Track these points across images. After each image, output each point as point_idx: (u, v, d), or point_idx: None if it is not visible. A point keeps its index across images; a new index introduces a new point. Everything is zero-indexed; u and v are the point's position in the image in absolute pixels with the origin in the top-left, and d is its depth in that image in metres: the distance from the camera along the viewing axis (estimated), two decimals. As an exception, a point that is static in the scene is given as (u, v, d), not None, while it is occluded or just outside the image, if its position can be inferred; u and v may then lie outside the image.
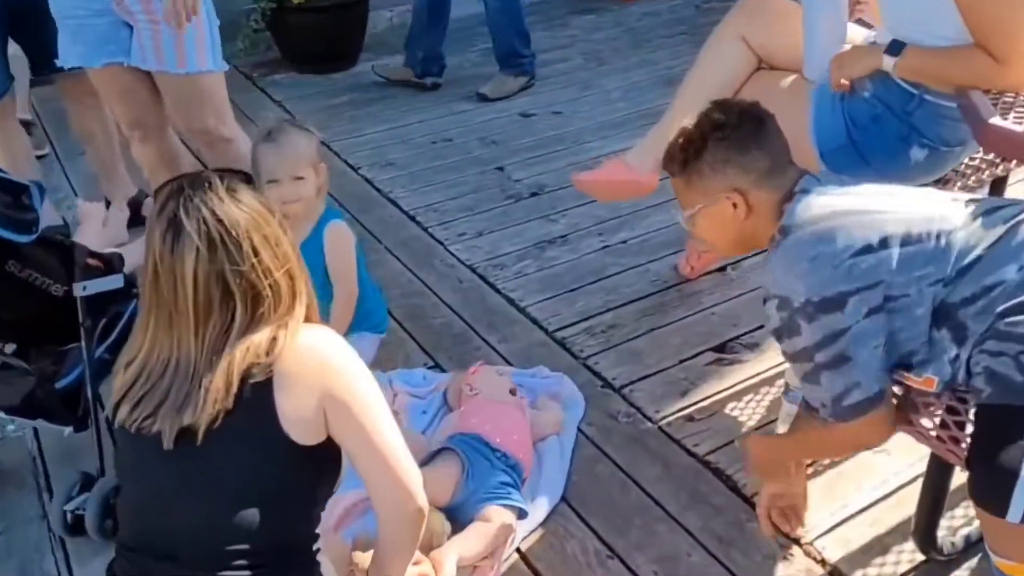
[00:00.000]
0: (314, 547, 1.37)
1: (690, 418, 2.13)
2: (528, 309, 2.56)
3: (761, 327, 2.42)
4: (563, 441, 2.04)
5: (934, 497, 1.63)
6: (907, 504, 1.85)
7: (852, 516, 1.85)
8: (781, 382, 2.22)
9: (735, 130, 1.53)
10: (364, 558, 1.65)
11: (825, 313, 1.37)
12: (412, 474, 1.37)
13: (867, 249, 1.37)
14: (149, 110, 2.48)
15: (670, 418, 2.13)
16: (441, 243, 2.92)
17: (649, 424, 2.12)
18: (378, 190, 3.28)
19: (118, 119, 2.64)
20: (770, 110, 2.08)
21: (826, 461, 1.97)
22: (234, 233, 1.25)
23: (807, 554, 1.77)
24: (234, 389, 1.25)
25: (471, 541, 1.75)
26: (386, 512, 1.38)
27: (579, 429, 2.11)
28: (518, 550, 1.82)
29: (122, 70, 2.35)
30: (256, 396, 1.27)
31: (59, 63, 2.39)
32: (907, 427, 1.51)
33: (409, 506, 1.36)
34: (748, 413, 2.14)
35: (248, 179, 1.36)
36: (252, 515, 1.27)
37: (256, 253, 1.27)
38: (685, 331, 2.44)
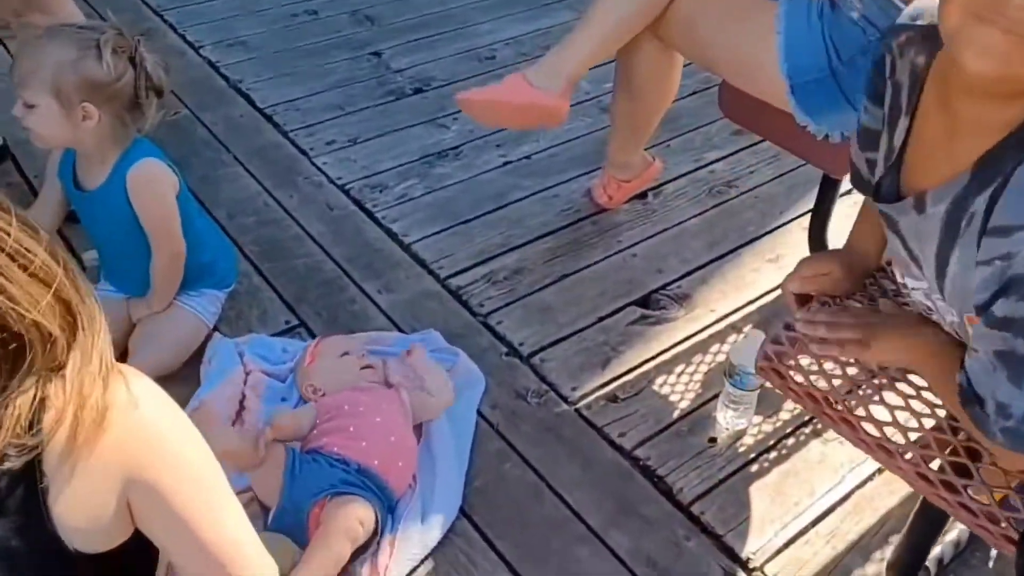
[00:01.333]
0: None
1: (612, 398, 1.77)
2: (414, 247, 2.10)
3: (689, 273, 2.07)
4: (459, 434, 1.65)
5: (926, 538, 1.34)
6: (867, 510, 1.58)
7: (806, 529, 1.56)
8: (716, 349, 1.89)
9: None
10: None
11: None
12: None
13: None
14: None
15: (589, 398, 1.77)
16: (305, 154, 2.39)
17: (564, 406, 1.75)
18: (225, 78, 2.67)
19: None
20: (726, 18, 1.67)
21: (769, 457, 1.67)
22: None
23: (756, 581, 1.48)
24: None
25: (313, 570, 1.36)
26: None
27: (479, 413, 1.72)
28: (408, 587, 1.45)
29: None
30: (16, 497, 0.81)
31: None
32: None
33: None
34: (680, 391, 1.80)
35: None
36: None
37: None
38: (603, 279, 2.05)
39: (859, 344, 1.15)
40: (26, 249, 0.79)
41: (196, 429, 0.94)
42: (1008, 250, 0.91)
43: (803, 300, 1.29)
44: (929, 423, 1.11)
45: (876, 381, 1.17)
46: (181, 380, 1.69)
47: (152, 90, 1.57)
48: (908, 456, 1.09)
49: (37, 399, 0.81)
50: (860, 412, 1.14)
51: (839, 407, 1.14)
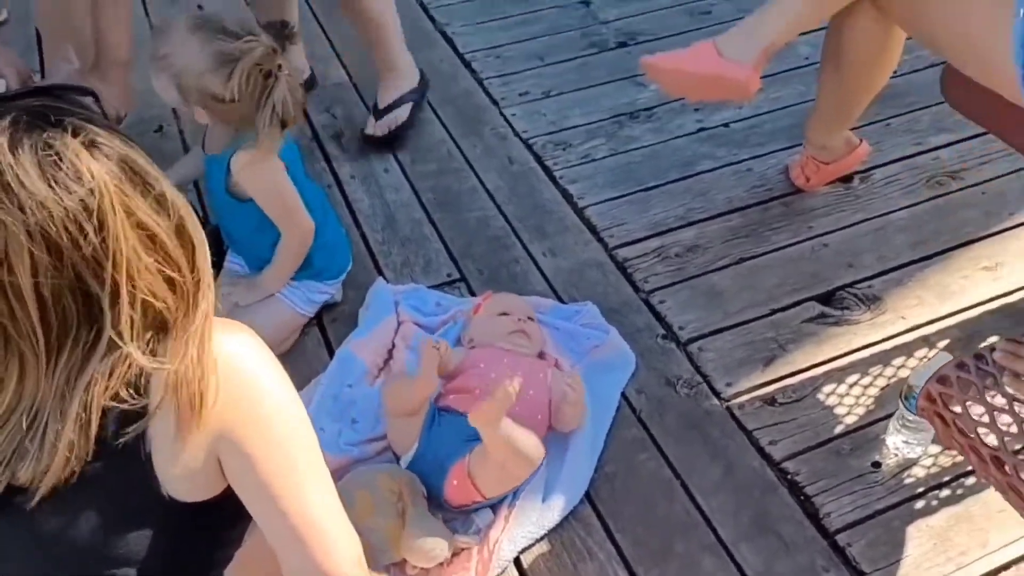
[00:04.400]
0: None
1: (771, 400, 1.64)
2: (587, 212, 2.03)
3: (885, 272, 1.86)
4: (597, 415, 1.59)
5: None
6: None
7: (969, 585, 1.38)
8: (900, 363, 1.69)
9: None
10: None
11: None
12: (337, 557, 0.95)
13: None
14: None
15: (744, 397, 1.64)
16: (496, 103, 2.36)
17: (715, 402, 1.64)
18: (432, 20, 2.68)
19: None
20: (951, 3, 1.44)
21: (940, 495, 1.48)
22: (89, 223, 0.78)
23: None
24: (92, 443, 0.83)
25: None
26: None
27: (623, 396, 1.65)
28: (517, 563, 1.43)
29: None
30: (122, 450, 0.86)
31: None
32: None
33: None
34: (849, 404, 1.63)
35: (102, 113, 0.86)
36: None
37: (127, 242, 0.80)
38: (785, 266, 1.89)
39: None
40: (164, 195, 0.82)
41: (295, 394, 0.95)
42: None
43: None
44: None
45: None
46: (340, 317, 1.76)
47: (276, 121, 1.55)
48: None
49: (151, 351, 0.85)
50: (1034, 480, 0.96)
51: (1008, 470, 0.97)
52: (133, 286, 0.82)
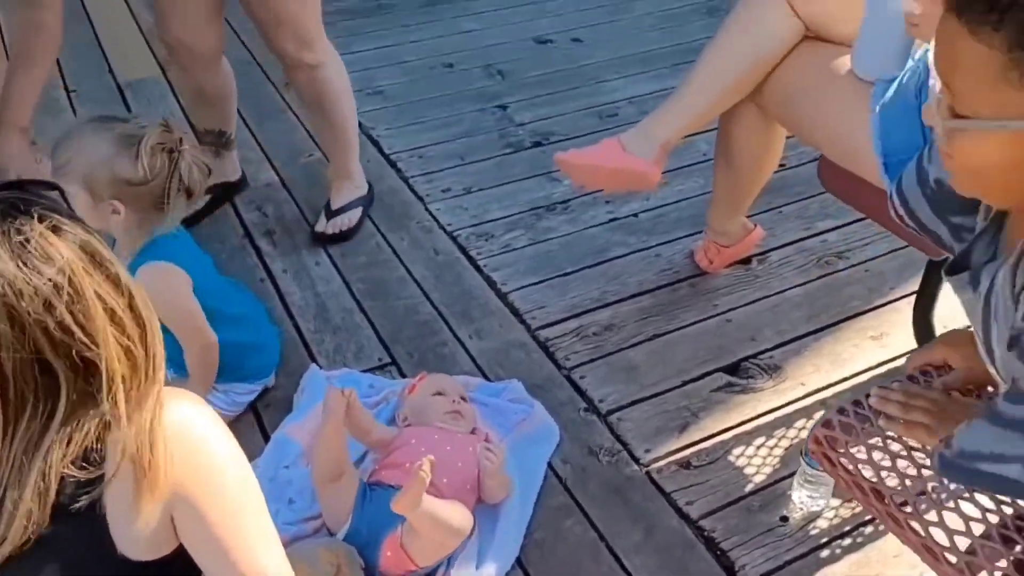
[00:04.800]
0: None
1: (686, 464, 1.76)
2: (511, 296, 2.16)
3: (784, 344, 2.02)
4: (525, 484, 1.68)
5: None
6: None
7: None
8: (801, 424, 1.84)
9: None
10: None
11: None
12: None
13: None
14: (203, 35, 2.16)
15: (661, 462, 1.76)
16: (422, 199, 2.51)
17: (635, 467, 1.75)
18: (359, 124, 2.83)
19: (165, 40, 2.20)
20: (822, 95, 1.65)
21: (843, 544, 1.60)
22: (59, 299, 0.86)
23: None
24: (49, 509, 0.89)
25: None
26: None
27: (549, 465, 1.74)
28: (454, 630, 1.49)
29: None
30: (79, 514, 0.91)
31: None
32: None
33: None
34: (756, 464, 1.76)
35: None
36: None
37: (92, 318, 0.88)
38: (693, 341, 2.04)
39: (926, 430, 1.11)
40: (118, 276, 0.91)
41: (243, 455, 1.03)
42: None
43: None
44: (979, 529, 1.06)
45: (931, 481, 1.13)
46: (274, 403, 1.83)
47: (182, 191, 1.60)
48: (953, 561, 1.04)
49: (105, 422, 0.92)
50: (908, 509, 1.10)
51: (886, 500, 1.10)
52: (95, 359, 0.89)
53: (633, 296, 2.17)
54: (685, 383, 1.93)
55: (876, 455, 1.14)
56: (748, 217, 2.19)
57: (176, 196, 1.60)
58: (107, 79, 3.05)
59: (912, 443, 1.16)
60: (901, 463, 1.13)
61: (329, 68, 2.21)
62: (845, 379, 1.93)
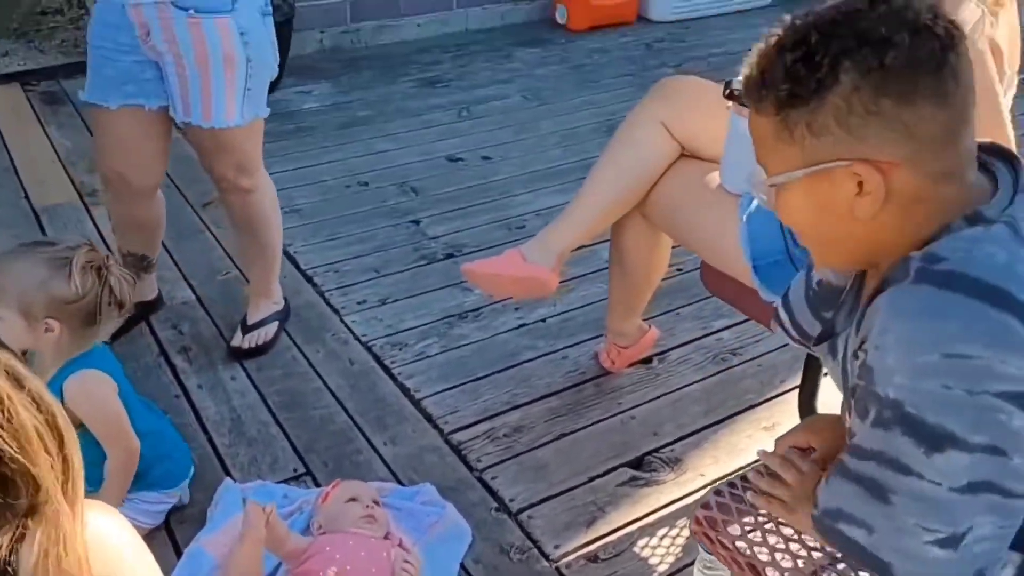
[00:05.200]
0: None
1: (593, 558, 1.82)
2: (424, 403, 2.24)
3: (684, 437, 2.14)
4: (440, 586, 1.72)
5: None
6: None
7: None
8: (702, 514, 1.92)
9: (905, 55, 0.90)
10: None
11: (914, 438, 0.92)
12: None
13: None
14: (147, 172, 2.22)
15: (570, 557, 1.82)
16: (337, 312, 2.59)
17: (545, 563, 1.81)
18: (276, 242, 2.93)
19: (104, 171, 2.26)
20: (698, 207, 1.82)
21: None
22: None
23: None
24: None
25: None
26: None
27: (462, 566, 1.79)
28: None
29: (135, 116, 2.09)
30: None
31: (82, 96, 2.13)
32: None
33: None
34: (660, 554, 1.84)
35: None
36: None
37: (15, 435, 0.93)
38: (599, 439, 2.14)
39: (783, 505, 1.18)
40: (38, 393, 0.96)
41: (158, 567, 1.07)
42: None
43: None
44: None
45: (792, 547, 1.22)
46: (188, 519, 1.84)
47: (114, 304, 1.68)
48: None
49: (17, 536, 0.95)
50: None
51: (762, 574, 1.19)
52: (15, 475, 0.94)
53: (542, 397, 2.27)
54: (592, 479, 2.02)
55: (750, 531, 1.24)
56: (649, 319, 2.33)
57: (108, 309, 1.68)
58: (23, 204, 3.09)
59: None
60: (771, 538, 1.23)
61: (263, 193, 2.30)
62: (742, 468, 2.04)
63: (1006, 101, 1.62)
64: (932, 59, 0.90)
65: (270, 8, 2.09)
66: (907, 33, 0.89)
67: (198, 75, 2.00)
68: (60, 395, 1.68)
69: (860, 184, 0.93)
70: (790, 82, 0.92)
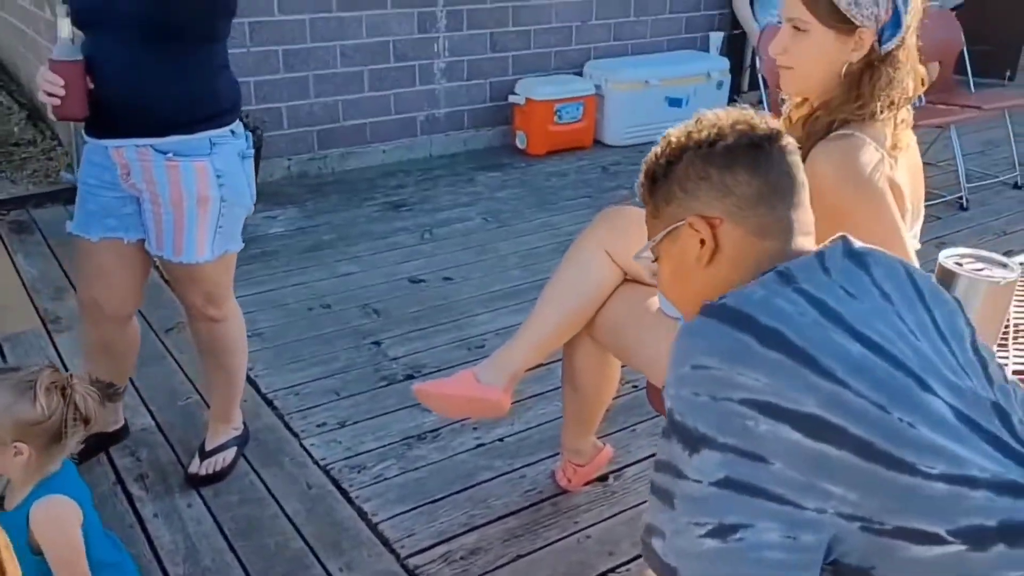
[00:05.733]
0: None
1: None
2: (381, 526, 2.24)
3: (639, 556, 2.14)
4: None
5: None
6: None
7: None
8: (658, 634, 1.92)
9: (731, 141, 1.18)
10: None
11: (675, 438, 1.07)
12: None
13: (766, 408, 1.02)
14: (123, 301, 2.28)
15: None
16: (296, 435, 2.60)
17: None
18: (238, 366, 2.96)
19: (82, 297, 2.31)
20: (640, 328, 1.90)
21: None
22: None
23: None
24: None
25: None
26: None
27: None
28: None
29: (115, 248, 2.15)
30: None
31: (68, 227, 2.21)
32: None
33: None
34: (617, 677, 1.83)
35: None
36: None
37: None
38: (556, 559, 2.14)
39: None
40: None
41: None
42: None
43: None
44: None
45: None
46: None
47: (79, 420, 1.70)
48: None
49: None
50: None
51: None
52: None
53: (500, 518, 2.28)
54: (548, 602, 2.02)
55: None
56: (604, 436, 2.38)
57: (73, 426, 1.70)
58: (-15, 332, 3.11)
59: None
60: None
61: (231, 323, 2.35)
62: (696, 586, 2.05)
63: (914, 231, 1.75)
64: (751, 141, 1.17)
65: (252, 151, 2.18)
66: (737, 132, 1.18)
67: (171, 213, 2.07)
68: (26, 519, 1.68)
69: (702, 241, 1.16)
70: (652, 171, 1.25)
